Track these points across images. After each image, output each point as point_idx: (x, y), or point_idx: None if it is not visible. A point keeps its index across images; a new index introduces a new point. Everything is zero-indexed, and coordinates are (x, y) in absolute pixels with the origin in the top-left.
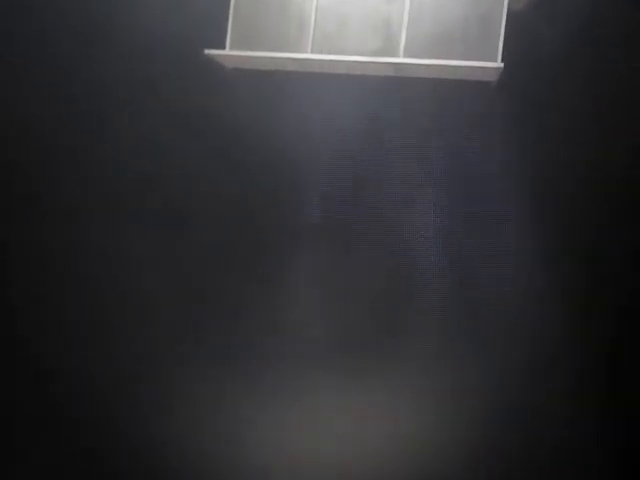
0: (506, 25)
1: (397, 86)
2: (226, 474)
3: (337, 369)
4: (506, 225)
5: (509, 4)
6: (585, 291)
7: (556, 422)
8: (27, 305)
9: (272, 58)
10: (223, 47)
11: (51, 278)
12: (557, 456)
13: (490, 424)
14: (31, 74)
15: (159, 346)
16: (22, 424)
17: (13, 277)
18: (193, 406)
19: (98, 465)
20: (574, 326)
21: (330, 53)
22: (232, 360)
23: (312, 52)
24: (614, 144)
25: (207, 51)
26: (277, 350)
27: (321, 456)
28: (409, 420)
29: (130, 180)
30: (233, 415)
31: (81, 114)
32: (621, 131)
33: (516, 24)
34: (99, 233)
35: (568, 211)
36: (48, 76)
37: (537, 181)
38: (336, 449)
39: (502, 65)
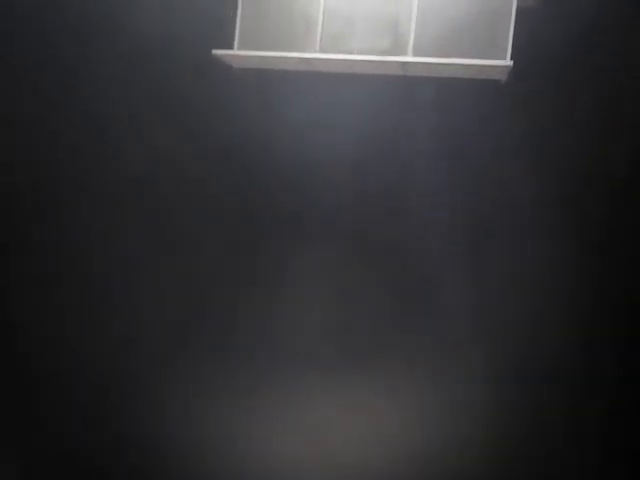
0: (515, 23)
1: (405, 85)
2: (226, 474)
3: (339, 370)
4: (513, 223)
5: (518, 2)
6: (593, 289)
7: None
8: (27, 305)
9: (280, 58)
10: (231, 47)
11: (51, 279)
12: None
13: (495, 424)
14: (33, 74)
15: (159, 346)
16: (20, 424)
17: (13, 278)
18: (192, 406)
19: (98, 465)
20: (582, 323)
21: (338, 53)
22: (232, 361)
23: (320, 52)
24: (622, 141)
25: (215, 51)
26: (277, 351)
27: (321, 457)
28: (410, 421)
29: (133, 180)
30: (233, 415)
31: (85, 114)
32: (629, 128)
33: (525, 22)
34: (98, 233)
35: (575, 207)
36: (50, 76)
37: (544, 178)
38: (337, 450)
39: (511, 63)
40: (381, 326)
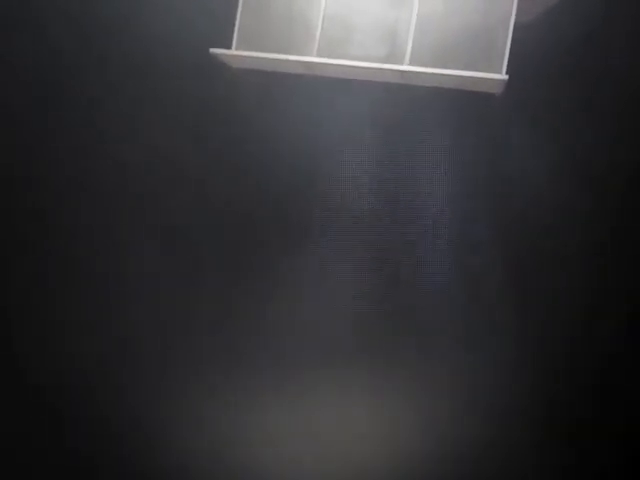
0: (512, 38)
1: (401, 93)
2: (226, 474)
3: (339, 370)
4: (505, 233)
5: (516, 17)
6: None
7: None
8: (27, 307)
9: (277, 60)
10: (229, 47)
11: (51, 279)
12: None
13: (502, 423)
14: (33, 74)
15: (159, 346)
16: (19, 424)
17: (13, 278)
18: (193, 407)
19: (97, 465)
20: (583, 322)
21: (336, 58)
22: (232, 361)
23: (318, 56)
24: (617, 159)
25: (212, 50)
26: (277, 351)
27: (322, 457)
28: (411, 422)
29: (132, 180)
30: (233, 415)
31: (83, 115)
32: (625, 145)
33: (522, 37)
34: (98, 233)
35: (573, 216)
36: (50, 76)
37: (538, 192)
38: (337, 450)
39: (507, 77)
40: (383, 327)
